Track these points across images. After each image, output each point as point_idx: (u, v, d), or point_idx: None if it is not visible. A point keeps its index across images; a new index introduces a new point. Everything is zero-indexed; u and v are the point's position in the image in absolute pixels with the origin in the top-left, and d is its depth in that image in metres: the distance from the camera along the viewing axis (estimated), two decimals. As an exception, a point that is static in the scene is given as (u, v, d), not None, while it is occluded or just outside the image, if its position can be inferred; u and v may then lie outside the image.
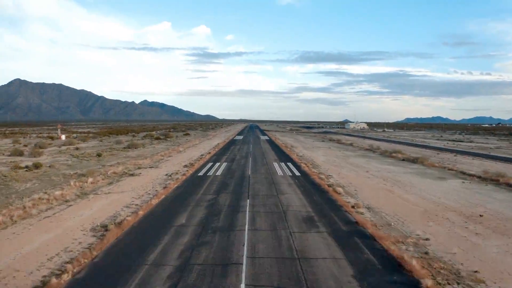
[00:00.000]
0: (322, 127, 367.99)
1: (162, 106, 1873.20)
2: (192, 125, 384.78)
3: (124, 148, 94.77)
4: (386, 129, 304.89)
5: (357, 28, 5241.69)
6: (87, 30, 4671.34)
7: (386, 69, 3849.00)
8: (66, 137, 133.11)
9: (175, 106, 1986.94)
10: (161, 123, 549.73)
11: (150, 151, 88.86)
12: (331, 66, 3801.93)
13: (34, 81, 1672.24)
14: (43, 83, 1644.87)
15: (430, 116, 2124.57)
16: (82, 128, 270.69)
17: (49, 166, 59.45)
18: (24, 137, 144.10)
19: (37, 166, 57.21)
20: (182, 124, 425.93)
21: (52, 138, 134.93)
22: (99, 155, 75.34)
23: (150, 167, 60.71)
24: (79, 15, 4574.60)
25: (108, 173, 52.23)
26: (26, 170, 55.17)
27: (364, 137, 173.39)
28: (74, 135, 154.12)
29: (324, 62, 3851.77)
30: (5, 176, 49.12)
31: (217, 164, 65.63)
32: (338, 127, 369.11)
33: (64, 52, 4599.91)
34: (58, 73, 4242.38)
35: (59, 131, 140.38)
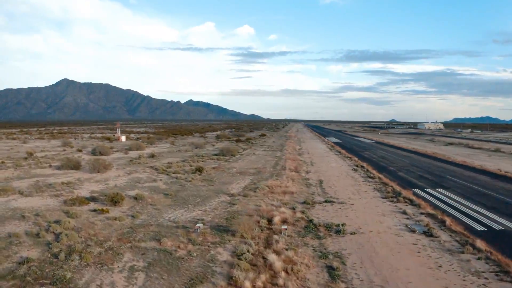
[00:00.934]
0: (393, 127, 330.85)
1: (207, 105, 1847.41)
2: (245, 125, 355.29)
3: (218, 155, 66.34)
4: (473, 130, 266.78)
5: (403, 26, 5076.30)
6: (132, 32, 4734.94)
7: (433, 68, 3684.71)
8: (125, 138, 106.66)
9: (220, 105, 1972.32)
10: (211, 122, 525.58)
11: (257, 161, 59.98)
12: (376, 65, 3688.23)
13: (81, 81, 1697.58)
14: (90, 83, 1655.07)
15: (479, 116, 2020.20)
16: (134, 128, 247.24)
17: (135, 199, 30.87)
18: (75, 138, 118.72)
19: (114, 200, 28.72)
20: (234, 124, 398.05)
21: (109, 139, 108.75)
22: (199, 169, 46.71)
23: (341, 208, 31.05)
24: (124, 17, 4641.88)
25: (282, 230, 22.83)
26: (95, 211, 26.74)
27: (477, 140, 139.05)
28: (132, 135, 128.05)
29: (369, 61, 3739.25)
30: (54, 236, 20.72)
31: (475, 211, 35.49)
32: (411, 127, 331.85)
33: (110, 53, 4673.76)
34: (105, 73, 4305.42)
35: (118, 131, 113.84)
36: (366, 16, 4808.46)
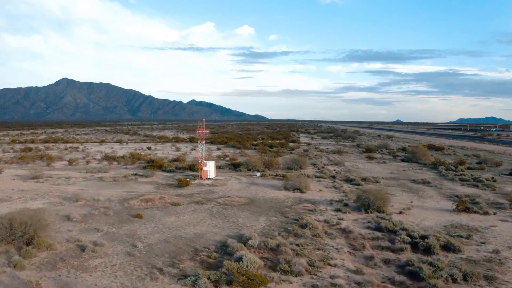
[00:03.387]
0: (486, 130, 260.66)
1: (210, 105, 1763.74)
2: (286, 127, 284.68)
3: None
4: None
5: (406, 26, 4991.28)
6: (132, 32, 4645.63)
7: (435, 68, 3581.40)
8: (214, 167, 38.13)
9: (223, 106, 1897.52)
10: (220, 123, 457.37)
11: None
12: (378, 66, 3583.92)
13: (81, 80, 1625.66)
14: (91, 83, 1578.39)
15: (484, 117, 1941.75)
16: (145, 130, 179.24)
17: None
18: (70, 162, 50.58)
19: None
20: (260, 126, 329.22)
21: (160, 166, 40.56)
22: None
23: None
24: (124, 18, 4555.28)
25: None
26: None
27: None
28: (178, 145, 59.92)
29: (372, 61, 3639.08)
30: None
31: None
32: (499, 130, 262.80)
33: (111, 53, 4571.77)
34: (106, 73, 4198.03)
35: (201, 148, 42.44)
36: (367, 16, 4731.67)
